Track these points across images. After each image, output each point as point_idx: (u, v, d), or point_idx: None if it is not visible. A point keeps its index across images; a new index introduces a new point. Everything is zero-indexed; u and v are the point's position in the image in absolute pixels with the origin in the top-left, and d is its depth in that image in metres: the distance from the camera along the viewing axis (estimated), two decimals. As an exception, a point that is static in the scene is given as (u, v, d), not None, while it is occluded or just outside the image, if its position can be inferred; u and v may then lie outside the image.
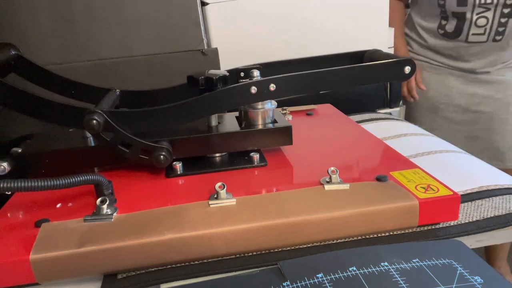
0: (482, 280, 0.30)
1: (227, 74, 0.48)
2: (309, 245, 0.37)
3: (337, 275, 0.32)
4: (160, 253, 0.35)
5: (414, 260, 0.33)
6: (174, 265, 0.36)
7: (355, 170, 0.45)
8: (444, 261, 0.33)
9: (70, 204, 0.41)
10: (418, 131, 0.66)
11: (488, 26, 0.89)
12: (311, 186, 0.41)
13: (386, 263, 0.33)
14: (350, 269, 0.32)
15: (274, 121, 0.50)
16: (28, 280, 0.34)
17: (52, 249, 0.34)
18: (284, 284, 0.31)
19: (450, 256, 0.33)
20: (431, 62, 1.01)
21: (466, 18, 0.89)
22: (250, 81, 0.46)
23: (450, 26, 0.92)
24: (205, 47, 0.67)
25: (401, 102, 0.82)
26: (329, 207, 0.37)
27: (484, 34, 0.90)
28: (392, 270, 0.32)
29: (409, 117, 1.07)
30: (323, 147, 0.53)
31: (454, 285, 0.30)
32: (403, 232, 0.39)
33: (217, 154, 0.50)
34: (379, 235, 0.38)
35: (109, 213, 0.38)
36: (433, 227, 0.39)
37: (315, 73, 0.47)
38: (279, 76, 0.46)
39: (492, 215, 0.40)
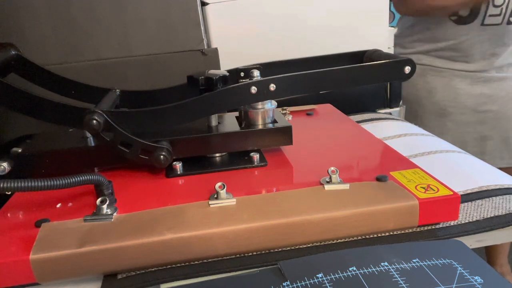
0: (482, 280, 0.30)
1: (227, 74, 0.48)
2: (309, 245, 0.37)
3: (337, 275, 0.32)
4: (160, 253, 0.35)
5: (414, 260, 0.33)
6: (174, 265, 0.36)
7: (355, 170, 0.45)
8: (444, 261, 0.33)
9: (70, 204, 0.41)
10: (418, 131, 0.66)
11: (504, 6, 0.88)
12: (311, 186, 0.41)
13: (386, 263, 0.33)
14: (350, 269, 0.32)
15: (274, 121, 0.50)
16: (28, 280, 0.34)
17: (52, 249, 0.34)
18: (284, 284, 0.31)
19: (450, 256, 0.33)
20: (435, 65, 0.99)
21: None
22: (250, 81, 0.46)
23: (465, 10, 0.91)
24: (205, 47, 0.67)
25: (401, 102, 0.82)
26: (329, 207, 0.37)
27: (500, 15, 0.89)
28: (392, 270, 0.32)
29: (415, 123, 1.05)
30: (323, 147, 0.53)
31: (454, 285, 0.30)
32: (403, 232, 0.39)
33: (217, 154, 0.50)
34: (379, 235, 0.38)
35: (109, 213, 0.38)
36: (433, 227, 0.39)
37: (315, 73, 0.47)
38: (279, 76, 0.46)
39: (492, 215, 0.40)
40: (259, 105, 0.49)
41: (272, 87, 0.46)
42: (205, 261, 0.36)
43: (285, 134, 0.49)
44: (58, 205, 0.41)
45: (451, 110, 0.99)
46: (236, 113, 0.54)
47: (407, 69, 0.49)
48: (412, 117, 1.03)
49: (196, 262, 0.36)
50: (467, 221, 0.39)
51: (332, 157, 0.49)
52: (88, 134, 0.48)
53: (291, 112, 0.67)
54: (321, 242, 0.38)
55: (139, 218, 0.38)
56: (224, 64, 0.67)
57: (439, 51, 0.97)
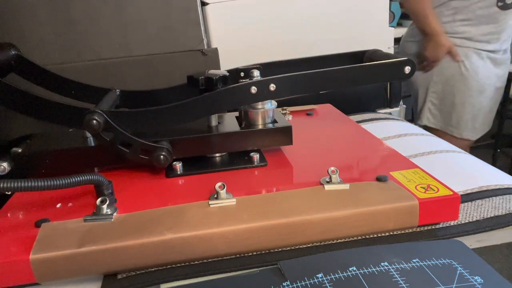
0: (482, 280, 0.30)
1: (227, 74, 0.48)
2: (309, 245, 0.37)
3: (337, 275, 0.32)
4: (160, 253, 0.35)
5: (414, 260, 0.33)
6: (174, 265, 0.36)
7: (355, 170, 0.45)
8: (444, 261, 0.33)
9: (70, 204, 0.41)
10: (418, 131, 0.66)
11: None
12: (311, 186, 0.41)
13: (386, 263, 0.33)
14: (350, 269, 0.32)
15: (274, 121, 0.50)
16: (28, 280, 0.34)
17: (52, 249, 0.34)
18: (284, 284, 0.31)
19: (450, 256, 0.33)
20: (477, 47, 1.10)
21: None
22: (250, 81, 0.46)
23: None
24: (205, 47, 0.67)
25: (401, 102, 0.82)
26: (329, 207, 0.37)
27: None
28: (392, 270, 0.32)
29: (454, 101, 1.15)
30: (323, 147, 0.53)
31: (454, 285, 0.30)
32: (403, 232, 0.39)
33: (217, 154, 0.50)
34: (379, 235, 0.38)
35: (109, 213, 0.38)
36: (433, 227, 0.39)
37: (315, 73, 0.47)
38: (279, 76, 0.46)
39: (492, 215, 0.40)
40: (259, 105, 0.49)
41: (272, 87, 0.46)
42: (205, 261, 0.36)
43: (285, 134, 0.49)
44: (58, 205, 0.41)
45: (486, 87, 1.13)
46: (236, 113, 0.54)
47: (407, 69, 0.49)
48: (451, 94, 1.15)
49: (196, 262, 0.36)
50: (467, 221, 0.39)
51: (332, 157, 0.49)
52: (88, 134, 0.48)
53: (291, 112, 0.67)
54: (321, 242, 0.38)
55: (139, 218, 0.38)
56: (224, 64, 0.67)
57: (480, 35, 1.09)
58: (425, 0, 1.08)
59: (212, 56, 0.67)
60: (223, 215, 0.37)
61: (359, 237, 0.38)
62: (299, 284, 0.31)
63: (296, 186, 0.42)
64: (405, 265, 0.32)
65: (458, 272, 0.31)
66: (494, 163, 1.49)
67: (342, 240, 0.38)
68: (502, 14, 1.05)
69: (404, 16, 1.89)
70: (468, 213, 0.40)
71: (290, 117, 0.65)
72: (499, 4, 1.04)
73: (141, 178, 0.46)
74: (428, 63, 1.13)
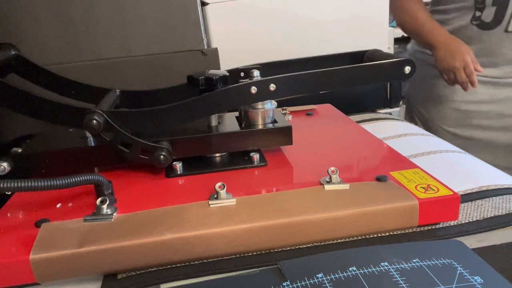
0: (482, 280, 0.30)
1: (227, 74, 0.48)
2: (309, 245, 0.37)
3: (337, 275, 0.32)
4: (160, 253, 0.35)
5: (414, 260, 0.33)
6: (174, 265, 0.36)
7: (355, 170, 0.45)
8: (444, 261, 0.33)
9: (70, 204, 0.41)
10: (418, 131, 0.66)
11: None
12: (311, 186, 0.41)
13: (386, 263, 0.33)
14: (350, 269, 0.32)
15: (274, 121, 0.50)
16: (28, 280, 0.34)
17: (52, 249, 0.34)
18: (284, 284, 0.31)
19: (450, 256, 0.33)
20: None
21: (509, 4, 0.85)
22: (250, 81, 0.46)
23: (488, 15, 0.89)
24: (205, 47, 0.67)
25: (401, 102, 0.82)
26: (329, 207, 0.37)
27: None
28: (392, 270, 0.32)
29: (434, 127, 1.00)
30: (323, 147, 0.53)
31: (454, 285, 0.30)
32: (403, 232, 0.39)
33: (217, 154, 0.50)
34: (379, 235, 0.38)
35: (109, 213, 0.38)
36: (433, 227, 0.39)
37: (315, 73, 0.47)
38: (279, 76, 0.46)
39: (492, 215, 0.40)
40: (259, 105, 0.49)
41: (272, 87, 0.46)
42: (205, 261, 0.36)
43: (285, 134, 0.49)
44: (58, 205, 0.41)
45: (473, 115, 0.95)
46: (236, 113, 0.54)
47: (407, 69, 0.49)
48: (431, 120, 1.00)
49: (196, 262, 0.36)
50: (467, 221, 0.39)
51: (332, 157, 0.49)
52: (88, 134, 0.48)
53: (291, 112, 0.67)
54: (321, 242, 0.38)
55: (139, 218, 0.38)
56: (224, 64, 0.67)
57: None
58: (411, 10, 0.92)
59: (212, 56, 0.67)
60: (223, 215, 0.37)
61: (359, 237, 0.38)
62: (299, 284, 0.31)
63: (296, 186, 0.42)
64: (405, 265, 0.32)
65: (458, 272, 0.31)
66: (494, 163, 1.48)
67: (342, 240, 0.38)
68: (484, 35, 0.90)
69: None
70: (468, 213, 0.40)
71: (290, 117, 0.65)
72: (474, 22, 0.90)
73: (141, 178, 0.46)
74: (462, 77, 0.86)
